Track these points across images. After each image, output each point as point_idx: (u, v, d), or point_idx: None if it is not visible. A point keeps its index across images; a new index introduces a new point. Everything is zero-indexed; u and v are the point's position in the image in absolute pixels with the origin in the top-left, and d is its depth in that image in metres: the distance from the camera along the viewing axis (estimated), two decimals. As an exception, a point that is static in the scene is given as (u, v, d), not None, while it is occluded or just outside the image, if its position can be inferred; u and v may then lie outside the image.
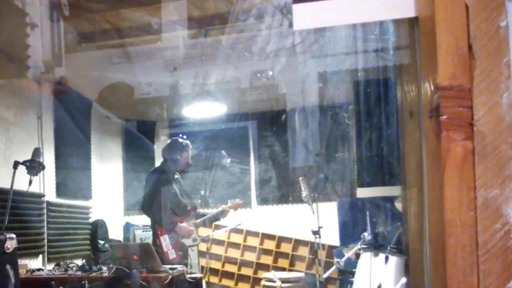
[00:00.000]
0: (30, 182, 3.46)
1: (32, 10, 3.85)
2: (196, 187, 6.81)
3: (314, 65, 4.46)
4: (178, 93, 5.54)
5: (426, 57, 1.03)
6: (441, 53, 0.93)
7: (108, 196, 6.58)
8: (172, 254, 4.29)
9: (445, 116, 0.91)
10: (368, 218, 4.03)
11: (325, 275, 4.27)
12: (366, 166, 5.98)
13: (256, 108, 6.62)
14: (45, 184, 5.03)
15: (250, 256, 6.61)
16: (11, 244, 2.67)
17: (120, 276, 3.60)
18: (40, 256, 4.92)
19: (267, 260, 6.54)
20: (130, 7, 3.82)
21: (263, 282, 5.56)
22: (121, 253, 3.91)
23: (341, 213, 6.06)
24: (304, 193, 4.67)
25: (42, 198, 4.99)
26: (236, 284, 6.60)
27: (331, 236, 5.84)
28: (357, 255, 3.90)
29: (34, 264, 4.69)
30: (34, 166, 3.51)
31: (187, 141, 4.53)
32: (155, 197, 4.33)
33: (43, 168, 3.66)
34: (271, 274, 5.40)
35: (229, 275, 6.65)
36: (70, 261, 4.94)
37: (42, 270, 4.20)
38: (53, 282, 3.76)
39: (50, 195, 5.15)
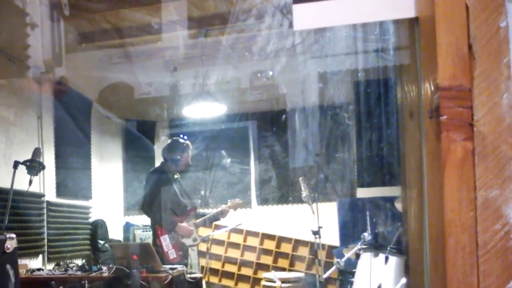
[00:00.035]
0: (30, 182, 3.46)
1: (32, 10, 3.85)
2: (196, 187, 6.81)
3: (314, 65, 4.46)
4: (178, 93, 5.54)
5: (426, 58, 1.03)
6: (441, 53, 0.93)
7: (108, 196, 6.58)
8: (172, 254, 4.29)
9: (445, 117, 0.91)
10: (368, 218, 4.03)
11: (325, 275, 4.27)
12: (366, 166, 5.98)
13: (256, 108, 6.62)
14: (45, 184, 5.03)
15: (250, 256, 6.61)
16: (11, 244, 2.67)
17: (120, 276, 3.60)
18: (40, 256, 4.92)
19: (267, 260, 6.54)
20: (130, 7, 3.82)
21: (263, 282, 5.56)
22: (121, 253, 3.91)
23: (341, 213, 6.06)
24: (304, 193, 4.67)
25: (42, 198, 4.99)
26: (236, 284, 6.60)
27: (331, 236, 5.84)
28: (357, 255, 3.90)
29: (34, 264, 4.69)
30: (34, 166, 3.51)
31: (188, 141, 4.53)
32: (155, 197, 4.33)
33: (43, 168, 3.66)
34: (271, 274, 5.40)
35: (229, 275, 6.65)
36: (70, 261, 4.94)
37: (42, 270, 4.20)
38: (53, 282, 3.76)
39: (50, 195, 5.15)
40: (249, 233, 6.65)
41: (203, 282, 5.68)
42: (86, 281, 3.96)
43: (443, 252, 0.91)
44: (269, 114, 6.67)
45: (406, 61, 1.31)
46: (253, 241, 6.64)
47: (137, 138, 6.94)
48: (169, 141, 4.64)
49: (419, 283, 1.24)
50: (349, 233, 5.76)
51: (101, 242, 5.89)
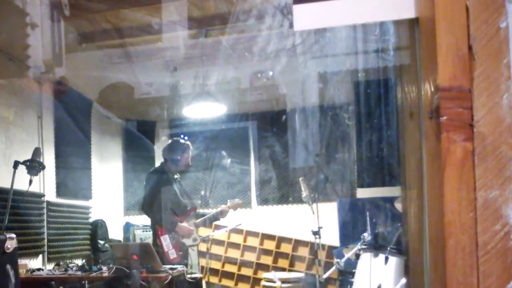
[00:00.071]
0: (30, 182, 3.46)
1: (32, 10, 3.86)
2: (196, 188, 6.82)
3: (314, 65, 4.46)
4: (178, 93, 5.54)
5: (426, 58, 1.03)
6: (441, 54, 0.93)
7: (108, 196, 6.58)
8: (172, 254, 4.29)
9: (445, 117, 0.91)
10: (368, 218, 4.04)
11: (325, 276, 4.27)
12: (366, 167, 5.98)
13: (256, 109, 6.62)
14: (45, 184, 5.03)
15: (250, 256, 6.61)
16: (11, 244, 2.67)
17: (120, 276, 3.60)
18: (40, 256, 4.92)
19: (267, 260, 6.54)
20: (131, 7, 3.82)
21: (263, 283, 5.56)
22: (121, 253, 3.91)
23: (341, 214, 6.06)
24: (304, 193, 4.67)
25: (42, 198, 4.99)
26: (236, 284, 6.60)
27: (331, 237, 5.84)
28: (357, 256, 3.90)
29: (34, 264, 4.69)
30: (34, 166, 3.51)
31: (188, 142, 4.53)
32: (156, 197, 4.33)
33: (43, 168, 3.66)
34: (271, 275, 5.40)
35: (229, 275, 6.65)
36: (70, 261, 4.94)
37: (42, 270, 4.20)
38: (53, 282, 3.76)
39: (50, 195, 5.15)
40: (249, 233, 6.65)
41: (203, 282, 5.68)
42: (86, 281, 3.96)
43: (443, 253, 0.91)
44: (269, 114, 6.67)
45: (406, 61, 1.31)
46: (253, 241, 6.64)
47: (137, 138, 6.94)
48: (170, 141, 4.64)
49: (419, 283, 1.24)
50: (349, 233, 5.76)
51: (101, 242, 5.89)
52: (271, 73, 5.08)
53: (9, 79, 4.50)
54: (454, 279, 0.89)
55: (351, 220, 5.85)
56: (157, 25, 4.02)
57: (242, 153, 6.79)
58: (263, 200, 6.77)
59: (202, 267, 5.79)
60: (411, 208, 1.44)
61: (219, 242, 6.65)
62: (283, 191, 6.70)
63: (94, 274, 3.79)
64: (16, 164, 3.42)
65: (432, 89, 0.96)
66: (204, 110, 5.13)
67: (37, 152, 3.60)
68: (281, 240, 6.55)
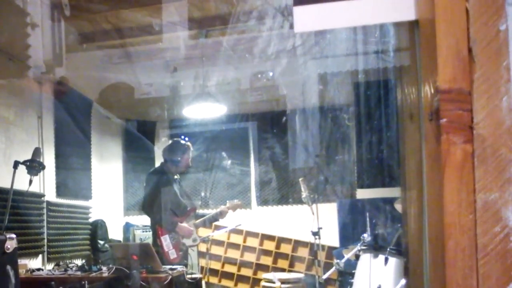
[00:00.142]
0: (30, 182, 3.46)
1: (33, 10, 3.86)
2: (196, 188, 6.82)
3: (315, 66, 4.46)
4: (178, 94, 5.54)
5: (426, 60, 1.04)
6: (441, 56, 0.93)
7: (108, 196, 6.58)
8: (173, 254, 4.30)
9: (445, 119, 0.91)
10: (367, 219, 4.04)
11: (324, 276, 4.28)
12: (366, 168, 5.99)
13: (256, 109, 6.62)
14: (45, 184, 5.03)
15: (250, 257, 6.61)
16: (11, 244, 2.67)
17: (120, 277, 3.60)
18: (40, 256, 4.92)
19: (267, 260, 6.54)
20: (131, 8, 3.82)
21: (263, 283, 5.55)
22: (121, 253, 3.91)
23: (341, 214, 6.06)
24: (304, 194, 4.67)
25: (42, 198, 4.99)
26: (235, 284, 6.60)
27: (331, 237, 5.84)
28: (357, 256, 3.90)
29: (34, 264, 4.70)
30: (34, 166, 3.51)
31: (188, 143, 4.53)
32: (156, 198, 4.34)
33: (43, 168, 3.66)
34: (271, 275, 5.40)
35: (228, 275, 6.65)
36: (70, 261, 4.95)
37: (42, 270, 4.21)
38: (53, 282, 3.76)
39: (50, 195, 5.15)
40: (249, 234, 6.65)
41: (203, 282, 5.68)
42: (86, 282, 3.96)
43: (442, 254, 0.91)
44: (269, 115, 6.67)
45: (406, 63, 1.31)
46: (253, 242, 6.64)
47: (137, 139, 6.94)
48: (170, 142, 4.64)
49: (419, 284, 1.24)
50: (348, 234, 5.76)
51: (101, 242, 5.89)
52: (271, 74, 5.08)
53: (9, 79, 4.51)
54: (454, 281, 0.89)
55: (351, 221, 5.85)
56: (157, 25, 4.02)
57: (242, 154, 6.80)
58: (263, 201, 6.77)
59: (202, 268, 5.79)
60: (411, 209, 1.44)
61: (219, 243, 6.65)
62: (283, 191, 6.70)
63: (94, 274, 3.79)
64: (16, 164, 3.42)
65: (432, 91, 0.96)
66: (204, 110, 5.14)
67: (37, 152, 3.60)
68: (280, 240, 6.55)
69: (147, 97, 5.58)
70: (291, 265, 6.46)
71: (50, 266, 4.78)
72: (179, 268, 3.94)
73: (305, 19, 1.08)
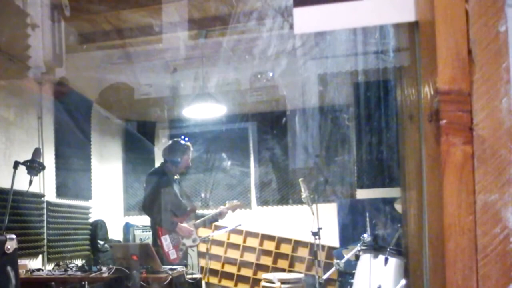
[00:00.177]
0: (30, 182, 3.46)
1: (33, 11, 3.86)
2: (196, 189, 6.82)
3: (314, 67, 4.46)
4: (178, 94, 5.54)
5: (426, 61, 1.04)
6: (441, 57, 0.93)
7: (108, 197, 6.58)
8: (173, 254, 4.30)
9: (444, 120, 0.91)
10: (367, 219, 4.04)
11: (324, 276, 4.28)
12: (366, 168, 5.99)
13: (256, 110, 6.63)
14: (45, 184, 5.03)
15: (250, 257, 6.61)
16: (11, 244, 2.67)
17: (120, 277, 3.60)
18: (40, 256, 4.92)
19: (267, 261, 6.54)
20: (131, 8, 3.83)
21: (263, 283, 5.56)
22: (121, 253, 3.91)
23: (341, 215, 6.07)
24: (304, 194, 4.67)
25: (42, 198, 4.99)
26: (235, 285, 6.60)
27: (331, 237, 5.84)
28: (357, 257, 3.91)
29: (34, 264, 4.70)
30: (34, 166, 3.51)
31: (188, 143, 4.53)
32: (156, 198, 4.34)
33: (43, 168, 3.67)
34: (271, 275, 5.40)
35: (228, 275, 6.65)
36: (70, 261, 4.95)
37: (42, 270, 4.21)
38: (53, 283, 3.76)
39: (50, 195, 5.16)
40: (249, 234, 6.66)
41: (203, 282, 5.68)
42: (86, 282, 3.96)
43: (442, 255, 0.91)
44: (269, 115, 6.67)
45: (405, 64, 1.31)
46: (252, 242, 6.64)
47: (137, 139, 6.94)
48: (170, 142, 4.64)
49: (419, 285, 1.24)
50: (348, 234, 5.77)
51: (101, 242, 5.90)
52: (271, 74, 5.08)
53: (10, 79, 4.51)
54: (454, 282, 0.89)
55: (351, 221, 5.86)
56: (157, 26, 4.03)
57: (242, 154, 6.80)
58: (263, 201, 6.77)
59: (202, 268, 5.79)
60: (411, 209, 1.44)
61: (219, 243, 6.65)
62: (283, 192, 6.70)
63: (94, 274, 3.79)
64: (16, 165, 3.42)
65: (432, 92, 0.96)
66: (204, 111, 5.14)
67: (37, 152, 3.60)
68: (280, 240, 6.55)
69: (147, 97, 5.58)
70: (291, 265, 6.47)
71: (50, 267, 4.79)
72: (179, 268, 3.95)
73: (305, 20, 1.08)
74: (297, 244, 6.47)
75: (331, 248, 6.00)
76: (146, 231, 6.22)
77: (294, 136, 5.94)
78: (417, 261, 1.27)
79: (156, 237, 4.36)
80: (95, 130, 6.17)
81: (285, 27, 3.58)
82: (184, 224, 4.44)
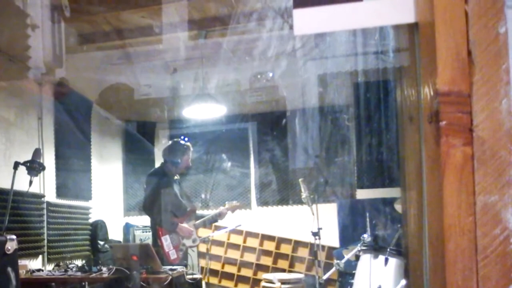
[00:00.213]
0: (30, 182, 3.46)
1: (33, 11, 3.86)
2: (196, 189, 6.82)
3: (314, 67, 4.46)
4: (178, 95, 5.54)
5: (425, 62, 1.04)
6: (441, 58, 0.93)
7: (108, 197, 6.58)
8: (173, 255, 4.30)
9: (444, 122, 0.91)
10: (367, 219, 4.04)
11: (324, 277, 4.28)
12: (366, 168, 5.99)
13: (256, 110, 6.63)
14: (45, 185, 5.03)
15: (250, 257, 6.61)
16: (11, 245, 2.67)
17: (120, 277, 3.60)
18: (40, 256, 4.92)
19: (267, 261, 6.54)
20: (131, 9, 3.83)
21: (263, 283, 5.56)
22: (121, 254, 3.91)
23: (341, 215, 6.07)
24: (304, 194, 4.67)
25: (42, 199, 4.99)
26: (235, 285, 6.60)
27: (331, 238, 5.84)
28: (357, 257, 3.91)
29: (34, 264, 4.70)
30: (34, 166, 3.52)
31: (188, 144, 4.53)
32: (156, 198, 4.34)
33: (43, 168, 3.67)
34: (271, 276, 5.41)
35: (228, 276, 6.65)
36: (70, 261, 4.95)
37: (42, 270, 4.21)
38: (53, 283, 3.76)
39: (50, 196, 5.16)
40: (249, 234, 6.66)
41: (203, 283, 5.68)
42: (86, 282, 3.96)
43: (442, 256, 0.91)
44: (269, 116, 6.67)
45: (405, 65, 1.31)
46: (253, 242, 6.64)
47: (137, 139, 6.95)
48: (170, 142, 4.64)
49: (419, 285, 1.24)
50: (349, 234, 5.77)
51: (101, 243, 5.90)
52: (271, 75, 5.08)
53: (10, 80, 4.51)
54: (454, 283, 0.90)
55: (351, 221, 5.86)
56: (157, 26, 4.03)
57: (242, 155, 6.80)
58: (263, 201, 6.77)
59: (202, 268, 5.79)
60: (411, 210, 1.44)
61: (219, 243, 6.65)
62: (283, 192, 6.70)
63: (94, 275, 3.80)
64: (16, 165, 3.42)
65: (432, 94, 0.97)
66: (204, 111, 5.14)
67: (37, 153, 3.60)
68: (281, 241, 6.55)
69: (147, 98, 5.58)
70: (291, 265, 6.47)
71: (50, 267, 4.79)
72: (179, 268, 3.95)
73: (305, 21, 1.08)
74: (297, 244, 6.47)
75: (331, 248, 6.00)
76: (146, 232, 6.22)
77: (294, 137, 5.94)
78: (417, 261, 1.27)
79: (156, 237, 4.36)
80: (95, 131, 6.18)
81: (285, 28, 3.58)
82: (184, 225, 4.44)
